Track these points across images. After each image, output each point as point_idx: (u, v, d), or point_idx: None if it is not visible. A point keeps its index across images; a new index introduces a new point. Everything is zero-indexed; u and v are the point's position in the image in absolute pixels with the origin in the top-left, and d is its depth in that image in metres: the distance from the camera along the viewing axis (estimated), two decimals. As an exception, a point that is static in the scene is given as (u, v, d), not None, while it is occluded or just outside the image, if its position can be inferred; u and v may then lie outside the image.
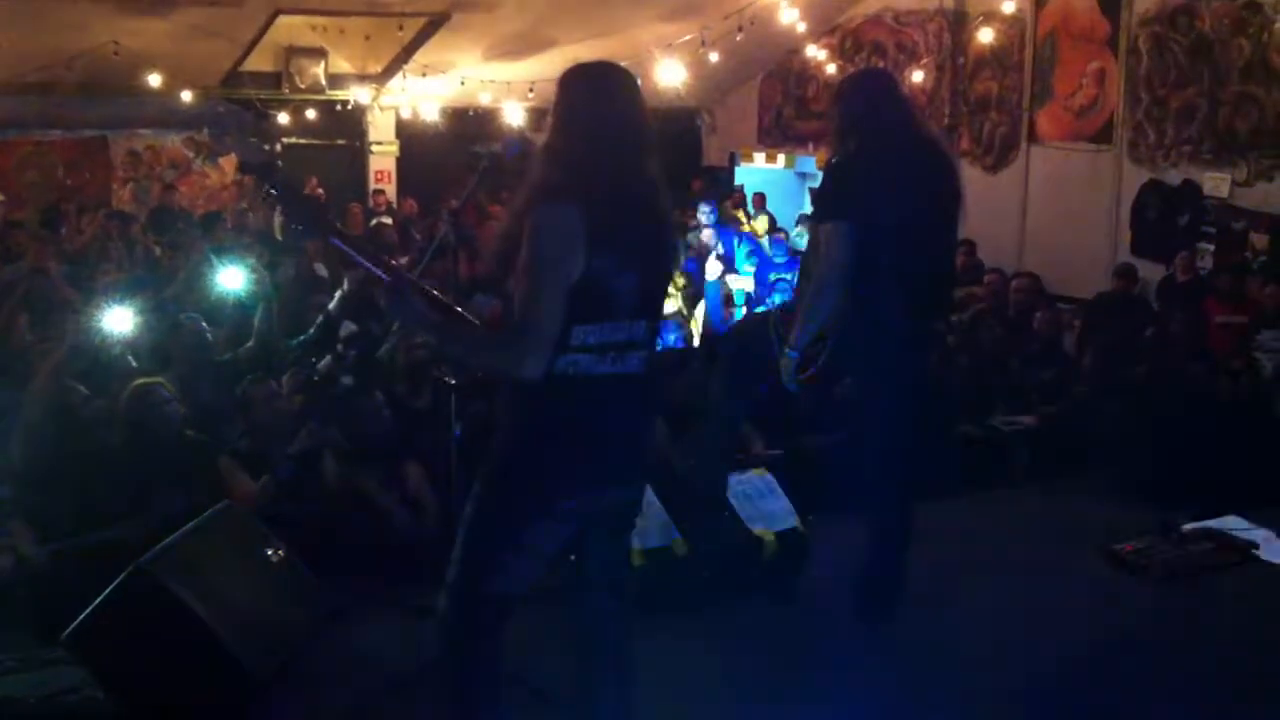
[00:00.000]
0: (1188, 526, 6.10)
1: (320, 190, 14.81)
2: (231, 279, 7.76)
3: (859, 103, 4.84)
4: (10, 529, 5.32)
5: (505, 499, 3.34)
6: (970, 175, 13.09)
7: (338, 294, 7.52)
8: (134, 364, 6.77)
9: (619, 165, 3.29)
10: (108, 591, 4.24)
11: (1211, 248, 10.94)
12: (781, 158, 16.46)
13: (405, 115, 15.45)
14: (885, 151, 4.68)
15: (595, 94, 3.37)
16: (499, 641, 3.47)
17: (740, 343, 5.31)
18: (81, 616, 4.24)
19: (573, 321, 3.19)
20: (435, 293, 3.52)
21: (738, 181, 16.75)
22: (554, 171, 3.28)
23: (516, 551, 3.34)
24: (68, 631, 4.25)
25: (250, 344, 7.36)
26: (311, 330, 7.67)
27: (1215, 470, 6.59)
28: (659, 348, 3.56)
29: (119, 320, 6.90)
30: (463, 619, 3.41)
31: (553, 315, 3.16)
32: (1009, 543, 6.14)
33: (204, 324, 7.30)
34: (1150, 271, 11.19)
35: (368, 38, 13.92)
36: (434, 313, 3.43)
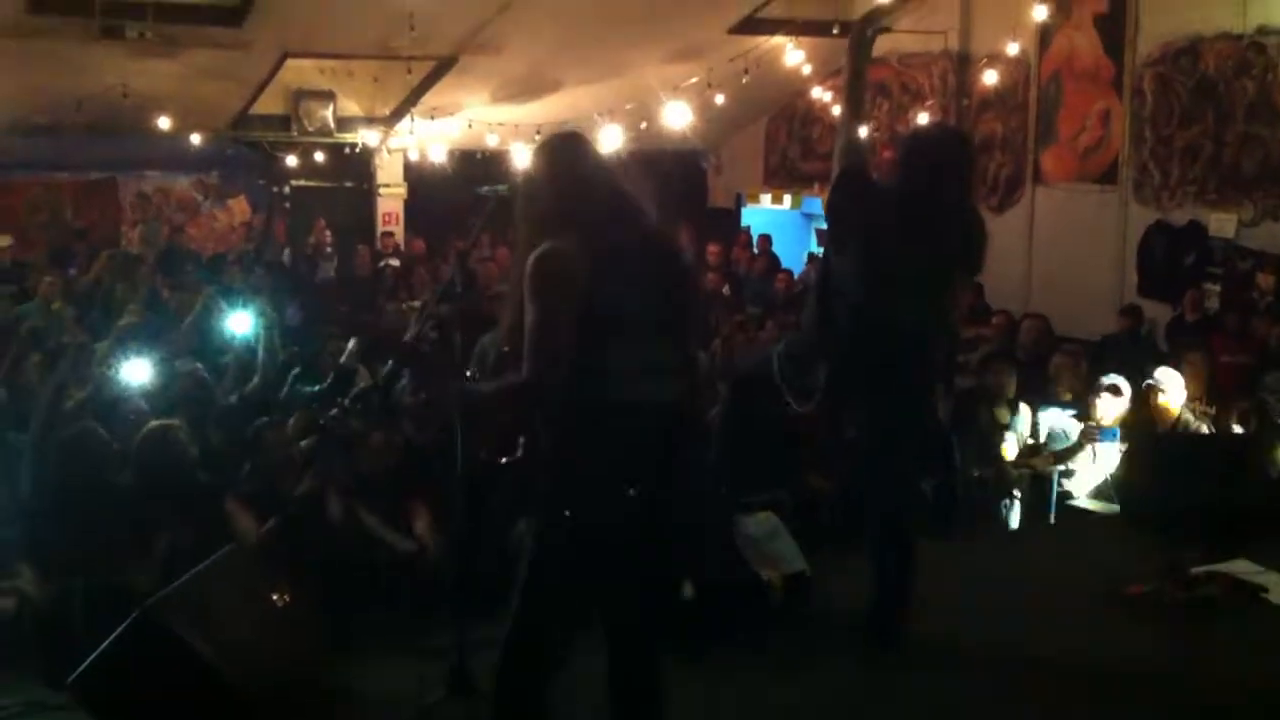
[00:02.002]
0: (1197, 569, 6.07)
1: (328, 232, 14.87)
2: (240, 323, 7.78)
3: (907, 154, 4.96)
4: (16, 570, 5.31)
5: (556, 548, 3.43)
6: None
7: (350, 343, 7.52)
8: (146, 408, 6.78)
9: (610, 203, 3.48)
10: (114, 635, 4.23)
11: (1218, 288, 10.95)
12: (788, 198, 16.50)
13: (413, 157, 15.50)
14: (904, 204, 4.77)
15: (570, 151, 3.62)
16: (550, 691, 3.55)
17: (744, 379, 5.33)
18: (88, 660, 4.23)
19: (593, 347, 3.31)
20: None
21: (744, 222, 16.79)
22: (544, 223, 3.46)
23: (567, 597, 3.46)
24: (73, 675, 4.24)
25: (255, 381, 7.38)
26: (328, 381, 7.68)
27: (1224, 512, 6.57)
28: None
29: (137, 371, 6.94)
30: (520, 668, 3.52)
31: (561, 330, 3.29)
32: (1017, 585, 6.11)
33: (200, 366, 7.35)
34: (1157, 311, 11.18)
35: (376, 80, 13.99)
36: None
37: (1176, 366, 7.99)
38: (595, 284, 3.32)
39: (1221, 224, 10.96)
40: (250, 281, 11.58)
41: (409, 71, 13.26)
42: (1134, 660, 5.19)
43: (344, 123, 14.63)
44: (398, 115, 14.53)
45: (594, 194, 3.49)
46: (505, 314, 3.57)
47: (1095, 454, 7.56)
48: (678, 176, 15.42)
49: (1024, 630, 5.51)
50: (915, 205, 4.78)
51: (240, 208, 16.35)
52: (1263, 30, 10.52)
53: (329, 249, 14.65)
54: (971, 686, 4.90)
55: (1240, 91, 10.73)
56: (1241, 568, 6.12)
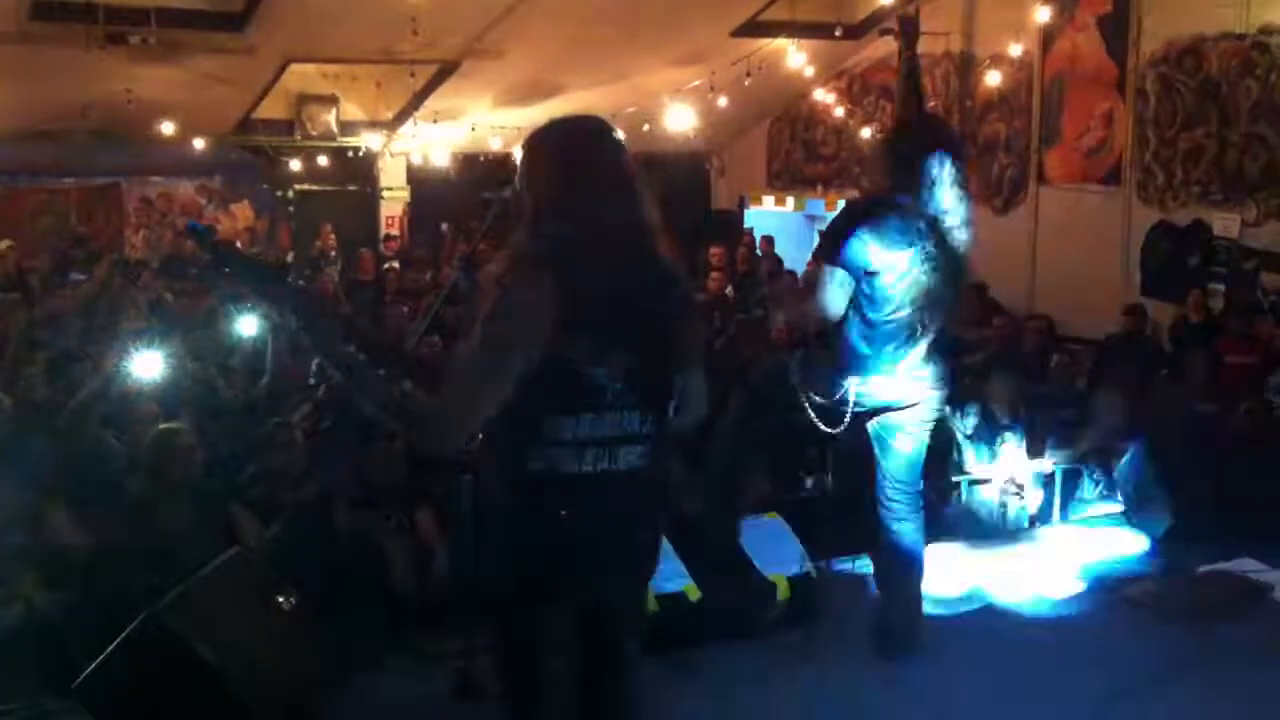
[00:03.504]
0: (1202, 569, 6.07)
1: (332, 237, 14.89)
2: (249, 326, 7.79)
3: (900, 147, 4.94)
4: (21, 577, 5.31)
5: (509, 616, 3.13)
6: (979, 217, 13.08)
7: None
8: (156, 408, 6.77)
9: (609, 226, 2.96)
10: (118, 640, 4.23)
11: (1222, 288, 10.94)
12: (790, 200, 16.52)
13: (416, 161, 15.53)
14: (898, 198, 4.74)
15: (579, 147, 3.05)
16: None
17: (756, 385, 5.31)
18: (92, 666, 4.23)
19: (545, 413, 2.92)
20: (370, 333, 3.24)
21: (747, 224, 16.81)
22: (532, 234, 3.00)
23: (537, 658, 3.11)
24: (78, 681, 4.24)
25: (264, 380, 7.39)
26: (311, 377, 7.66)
27: (1229, 512, 6.56)
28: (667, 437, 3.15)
29: (148, 366, 6.93)
30: None
31: (482, 398, 2.89)
32: (1023, 585, 6.11)
33: (214, 370, 7.34)
34: (1161, 312, 11.17)
35: (379, 85, 14.02)
36: (356, 356, 3.03)
37: (1181, 368, 7.98)
38: (558, 338, 2.87)
39: (1225, 224, 10.94)
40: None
41: (412, 75, 13.28)
42: (1140, 660, 5.19)
43: (347, 127, 14.67)
44: (401, 119, 14.55)
45: (596, 213, 2.95)
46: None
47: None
48: (681, 179, 15.45)
49: (1028, 631, 5.51)
50: (908, 207, 4.74)
51: (244, 212, 16.36)
52: (1266, 30, 10.51)
53: (333, 253, 14.68)
54: (975, 689, 4.89)
55: (1244, 92, 10.72)
56: (1247, 567, 6.12)
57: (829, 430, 4.79)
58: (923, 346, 4.78)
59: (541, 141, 3.10)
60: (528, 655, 3.12)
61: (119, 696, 4.21)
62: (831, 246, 4.70)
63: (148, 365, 6.91)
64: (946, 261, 4.74)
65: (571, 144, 3.07)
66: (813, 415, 4.78)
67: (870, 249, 4.60)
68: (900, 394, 4.84)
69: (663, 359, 3.05)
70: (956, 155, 4.87)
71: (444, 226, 15.45)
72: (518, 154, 3.20)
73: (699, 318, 3.14)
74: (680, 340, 3.10)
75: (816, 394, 4.77)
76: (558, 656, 3.12)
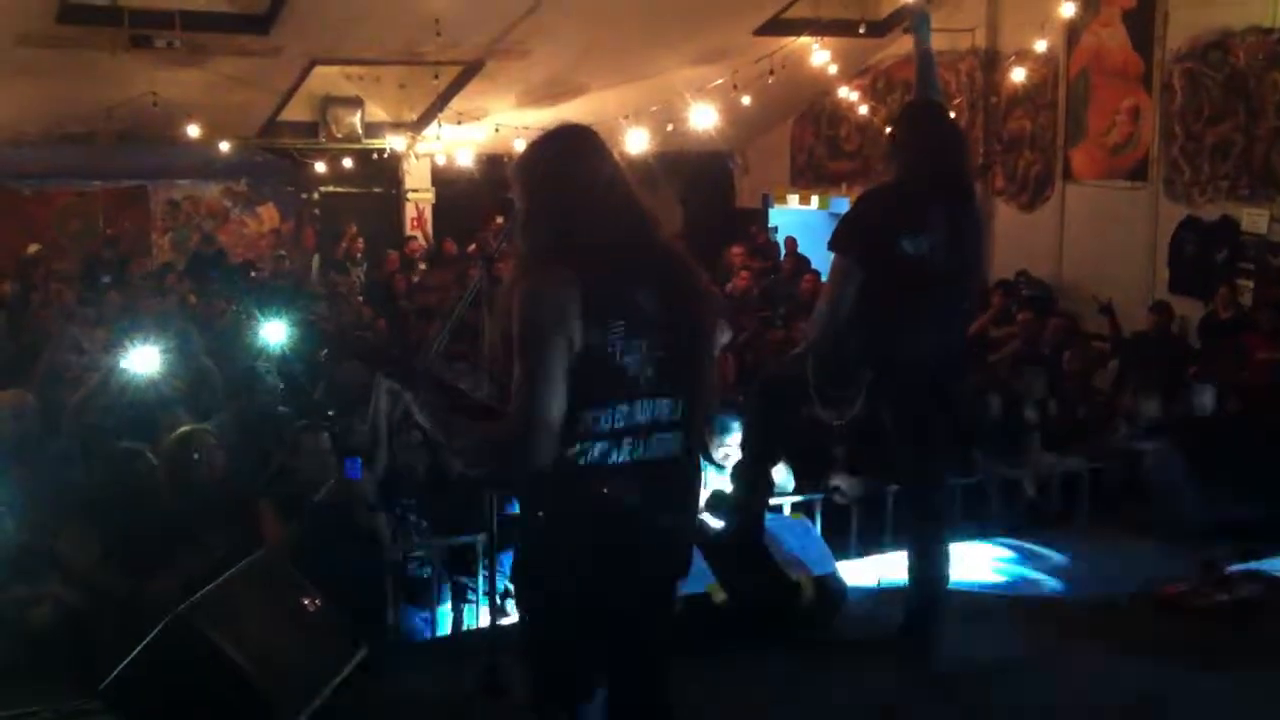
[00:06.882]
0: (1232, 568, 6.02)
1: (360, 240, 14.95)
2: (274, 332, 7.81)
3: (904, 131, 4.92)
4: (48, 578, 5.35)
5: (543, 609, 3.14)
6: (1005, 213, 13.12)
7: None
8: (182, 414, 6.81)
9: (616, 223, 3.03)
10: (145, 641, 4.25)
11: (1251, 284, 10.86)
12: (815, 199, 16.47)
13: (440, 162, 15.56)
14: (915, 184, 4.72)
15: (574, 153, 3.10)
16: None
17: (775, 383, 5.29)
18: (119, 667, 4.25)
19: (580, 406, 2.93)
20: (445, 381, 3.22)
21: (771, 223, 16.79)
22: (540, 239, 3.04)
23: (570, 656, 3.15)
24: (105, 682, 4.26)
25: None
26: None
27: (1260, 510, 6.51)
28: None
29: (145, 359, 6.94)
30: None
31: (553, 397, 2.89)
32: (1050, 585, 6.08)
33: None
34: (1189, 308, 11.11)
35: (403, 86, 14.07)
36: (443, 400, 3.10)
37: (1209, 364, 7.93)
38: (588, 331, 2.91)
39: (1254, 220, 10.87)
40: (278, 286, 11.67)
41: (435, 77, 13.32)
42: (1170, 660, 5.15)
43: (371, 128, 14.71)
44: (425, 120, 14.58)
45: (600, 213, 3.01)
46: (490, 325, 3.17)
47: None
48: (704, 178, 15.44)
49: (1057, 630, 5.48)
50: (921, 199, 4.72)
51: (269, 215, 16.45)
52: (1292, 23, 10.44)
53: (359, 255, 14.75)
54: (1002, 689, 4.87)
55: (1271, 86, 10.64)
56: (1278, 566, 6.07)
57: (836, 420, 4.78)
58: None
59: (532, 153, 3.16)
60: (566, 656, 3.14)
61: (146, 697, 4.23)
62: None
63: (145, 360, 6.91)
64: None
65: (561, 149, 3.13)
66: (820, 408, 4.77)
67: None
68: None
69: (689, 342, 3.09)
70: (954, 143, 4.89)
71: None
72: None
73: (714, 301, 3.22)
74: (703, 324, 3.15)
75: (831, 388, 4.75)
76: (595, 657, 3.15)
